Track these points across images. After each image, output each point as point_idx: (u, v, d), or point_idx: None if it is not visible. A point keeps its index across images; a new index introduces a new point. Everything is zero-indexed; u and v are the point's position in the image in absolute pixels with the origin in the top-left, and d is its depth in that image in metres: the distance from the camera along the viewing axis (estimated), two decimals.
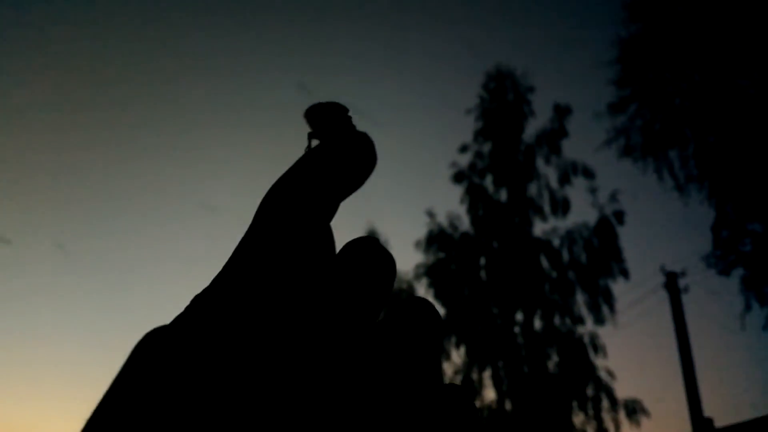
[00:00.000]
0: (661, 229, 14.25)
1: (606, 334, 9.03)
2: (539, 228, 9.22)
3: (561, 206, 9.23)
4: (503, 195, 9.43)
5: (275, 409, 0.19)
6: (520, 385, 8.42)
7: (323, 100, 0.25)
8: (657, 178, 8.38)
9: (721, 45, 7.68)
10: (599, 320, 8.79)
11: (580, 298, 8.89)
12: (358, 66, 13.66)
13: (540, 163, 9.46)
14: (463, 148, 9.70)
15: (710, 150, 7.82)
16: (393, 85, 13.81)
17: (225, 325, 0.20)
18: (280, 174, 0.23)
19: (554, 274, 8.93)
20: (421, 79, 14.31)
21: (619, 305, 8.96)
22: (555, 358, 8.60)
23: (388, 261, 0.22)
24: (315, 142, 0.24)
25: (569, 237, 9.09)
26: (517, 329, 8.73)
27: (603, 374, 8.58)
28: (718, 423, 7.42)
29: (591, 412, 8.47)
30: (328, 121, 0.25)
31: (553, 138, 9.47)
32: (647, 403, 8.61)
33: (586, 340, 8.68)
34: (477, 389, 8.63)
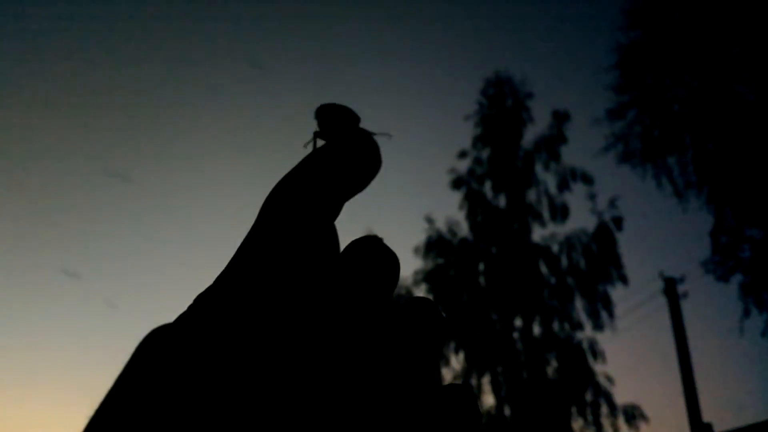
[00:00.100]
0: (659, 235, 14.24)
1: (605, 339, 9.01)
2: (538, 234, 9.23)
3: (560, 212, 9.23)
4: (502, 201, 9.43)
5: (278, 408, 0.19)
6: (519, 391, 8.40)
7: (337, 101, 0.25)
8: (656, 184, 8.40)
9: (719, 51, 7.70)
10: (598, 326, 8.79)
11: (579, 304, 8.89)
12: (356, 71, 13.68)
13: (539, 169, 9.48)
14: (462, 154, 9.71)
15: (709, 156, 7.83)
16: (392, 90, 13.83)
17: (228, 324, 0.20)
18: (279, 174, 0.23)
19: (553, 279, 8.93)
20: (420, 85, 14.34)
21: (618, 311, 8.96)
22: (554, 363, 8.59)
23: (392, 260, 0.22)
24: (320, 142, 0.24)
25: (568, 243, 9.09)
26: (516, 335, 8.71)
27: (602, 380, 8.57)
28: (717, 428, 7.39)
29: (590, 417, 8.45)
30: (338, 123, 0.25)
31: (551, 144, 9.48)
32: (646, 409, 8.62)
33: (585, 345, 8.67)
34: (476, 395, 8.60)
